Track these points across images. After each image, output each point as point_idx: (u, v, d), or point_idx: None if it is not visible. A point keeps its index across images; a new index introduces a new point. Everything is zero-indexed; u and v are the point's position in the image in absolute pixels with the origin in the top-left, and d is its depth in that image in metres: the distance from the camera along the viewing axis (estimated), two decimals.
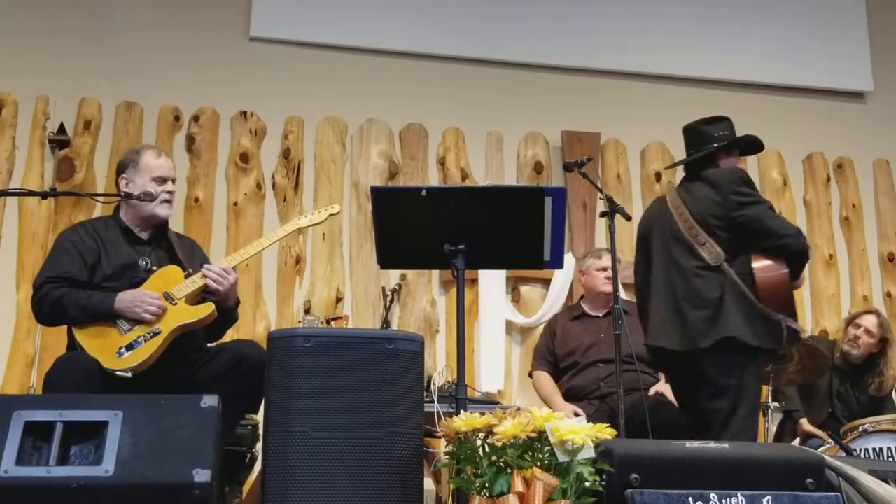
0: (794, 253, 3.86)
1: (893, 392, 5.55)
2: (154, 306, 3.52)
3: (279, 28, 6.30)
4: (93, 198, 5.27)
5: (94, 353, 3.45)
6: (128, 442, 2.57)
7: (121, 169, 3.85)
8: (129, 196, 3.75)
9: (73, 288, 3.57)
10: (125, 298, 3.53)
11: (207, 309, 3.63)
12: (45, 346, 5.42)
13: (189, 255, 3.87)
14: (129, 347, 3.48)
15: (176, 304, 3.60)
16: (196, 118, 6.05)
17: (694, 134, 4.23)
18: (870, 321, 5.50)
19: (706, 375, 3.84)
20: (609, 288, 4.81)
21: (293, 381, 2.76)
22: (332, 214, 4.07)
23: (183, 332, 3.58)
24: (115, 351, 3.47)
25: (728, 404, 3.79)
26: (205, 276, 3.64)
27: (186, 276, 3.69)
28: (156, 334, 3.52)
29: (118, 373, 3.39)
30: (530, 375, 5.12)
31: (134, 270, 3.70)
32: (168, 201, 3.81)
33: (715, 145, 4.14)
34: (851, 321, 5.61)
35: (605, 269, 4.97)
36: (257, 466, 3.98)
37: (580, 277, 5.16)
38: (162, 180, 3.80)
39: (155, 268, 3.73)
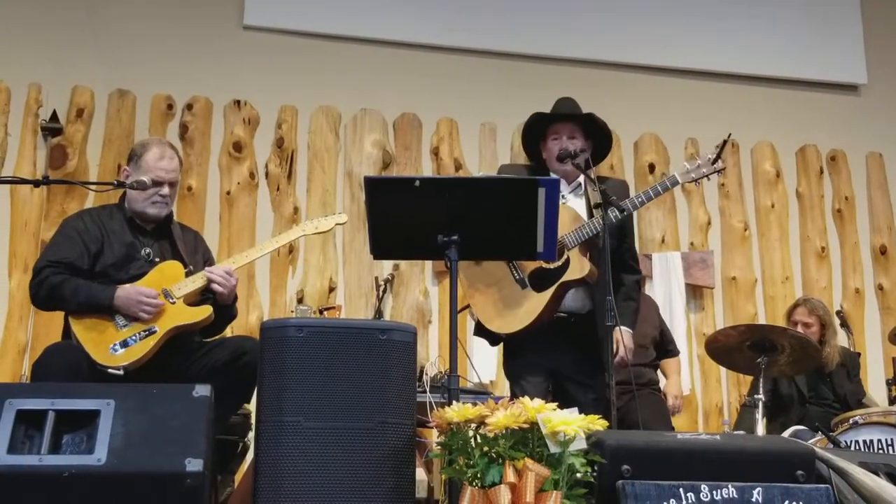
0: None
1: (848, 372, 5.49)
2: (150, 306, 3.50)
3: (273, 17, 6.28)
4: (85, 186, 5.26)
5: (88, 346, 3.44)
6: (120, 431, 2.57)
7: (128, 159, 3.84)
8: (121, 185, 3.72)
9: (73, 275, 3.54)
10: (123, 295, 3.50)
11: (205, 312, 3.62)
12: (38, 335, 5.41)
13: (191, 249, 3.86)
14: (124, 344, 3.46)
15: (174, 302, 3.58)
16: (189, 107, 6.03)
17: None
18: (800, 313, 5.48)
19: None
20: None
21: (286, 370, 2.75)
22: (338, 224, 4.02)
23: (179, 332, 3.58)
24: (109, 346, 3.44)
25: None
26: (209, 278, 3.63)
27: (187, 274, 3.67)
28: (151, 333, 3.51)
29: (110, 370, 3.38)
30: None
31: (136, 261, 3.68)
32: (157, 202, 3.73)
33: None
34: (788, 319, 5.58)
35: None
36: (249, 455, 3.98)
37: None
38: (158, 183, 3.71)
39: (157, 259, 3.71)
